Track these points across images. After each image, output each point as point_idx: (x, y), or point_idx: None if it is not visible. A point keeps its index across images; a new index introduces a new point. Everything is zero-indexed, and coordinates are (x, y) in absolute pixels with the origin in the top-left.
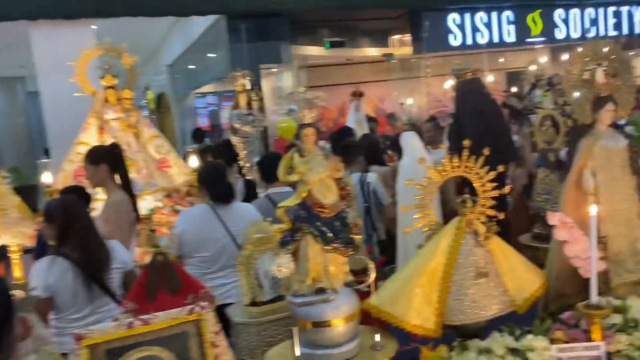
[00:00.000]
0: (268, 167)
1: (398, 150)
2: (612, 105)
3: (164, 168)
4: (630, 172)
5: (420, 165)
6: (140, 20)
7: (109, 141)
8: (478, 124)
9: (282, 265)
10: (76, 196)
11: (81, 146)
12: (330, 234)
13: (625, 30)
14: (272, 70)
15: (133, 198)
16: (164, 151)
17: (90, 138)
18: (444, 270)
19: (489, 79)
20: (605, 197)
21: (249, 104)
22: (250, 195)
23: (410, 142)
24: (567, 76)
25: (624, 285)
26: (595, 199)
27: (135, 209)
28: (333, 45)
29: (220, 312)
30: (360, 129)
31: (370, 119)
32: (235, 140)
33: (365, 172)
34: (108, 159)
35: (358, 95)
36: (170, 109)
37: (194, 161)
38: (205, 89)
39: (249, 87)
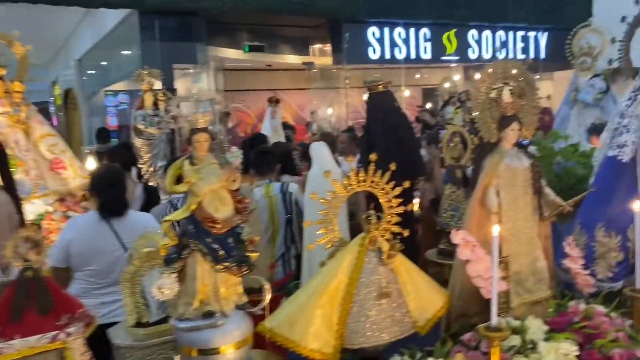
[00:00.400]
0: None
1: (308, 160)
2: (517, 124)
3: (57, 169)
4: (532, 192)
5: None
6: (48, 9)
7: None
8: (388, 137)
9: (164, 287)
10: None
11: None
12: (221, 252)
13: (531, 54)
14: (189, 71)
15: (17, 200)
16: (58, 151)
17: None
18: (346, 290)
19: (406, 93)
20: (508, 216)
21: (155, 104)
22: (150, 201)
23: (319, 152)
24: (475, 94)
25: (524, 305)
26: (498, 217)
27: (20, 213)
28: (252, 49)
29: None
30: (277, 137)
31: (286, 127)
32: (139, 142)
33: (277, 182)
34: None
35: (275, 101)
36: (78, 105)
37: (92, 163)
38: (117, 86)
39: (158, 86)
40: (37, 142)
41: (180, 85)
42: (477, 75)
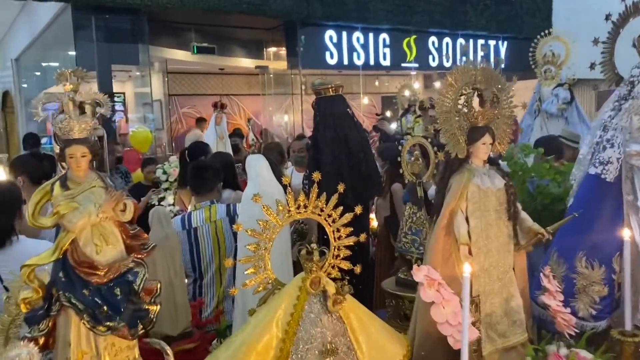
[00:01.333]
0: None
1: None
2: (489, 137)
3: None
4: (506, 217)
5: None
6: None
7: None
8: (338, 149)
9: (18, 358)
10: None
11: None
12: (104, 308)
13: (492, 62)
14: (137, 73)
15: None
16: None
17: None
18: (280, 348)
19: (364, 101)
20: (479, 247)
21: (81, 109)
22: None
23: (255, 167)
24: (440, 101)
25: (496, 352)
26: (467, 248)
27: None
28: (201, 50)
29: None
30: (222, 146)
31: (235, 134)
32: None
33: (222, 203)
34: None
35: (220, 106)
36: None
37: (2, 174)
38: (60, 89)
39: (95, 89)
40: None
41: (127, 89)
42: (437, 84)
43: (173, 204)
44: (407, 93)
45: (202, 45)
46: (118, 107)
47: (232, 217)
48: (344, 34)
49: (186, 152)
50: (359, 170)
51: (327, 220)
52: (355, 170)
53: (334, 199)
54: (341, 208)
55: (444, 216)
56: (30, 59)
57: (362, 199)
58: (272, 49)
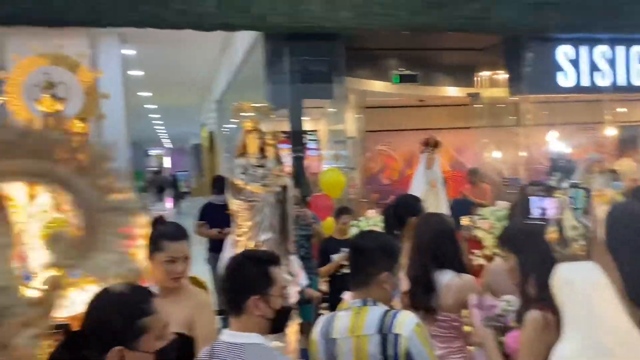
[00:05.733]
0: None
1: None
2: None
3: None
4: None
5: None
6: (186, 50)
7: None
8: None
9: None
10: None
11: None
12: None
13: None
14: (330, 110)
15: None
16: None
17: None
18: None
19: (608, 133)
20: None
21: (262, 151)
22: None
23: (588, 297)
24: None
25: None
26: None
27: None
28: (403, 79)
29: None
30: (434, 196)
31: None
32: (235, 204)
33: (377, 305)
34: None
35: (432, 145)
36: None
37: None
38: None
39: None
40: None
41: (320, 127)
42: None
43: None
44: None
45: (403, 73)
46: (310, 144)
47: (384, 336)
48: (582, 48)
49: (392, 208)
50: None
51: None
52: None
53: None
54: None
55: None
56: (230, 100)
57: None
58: (485, 73)
